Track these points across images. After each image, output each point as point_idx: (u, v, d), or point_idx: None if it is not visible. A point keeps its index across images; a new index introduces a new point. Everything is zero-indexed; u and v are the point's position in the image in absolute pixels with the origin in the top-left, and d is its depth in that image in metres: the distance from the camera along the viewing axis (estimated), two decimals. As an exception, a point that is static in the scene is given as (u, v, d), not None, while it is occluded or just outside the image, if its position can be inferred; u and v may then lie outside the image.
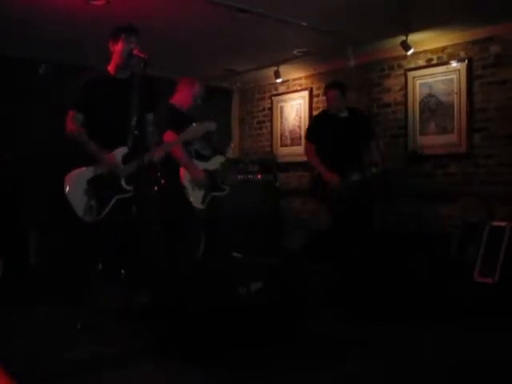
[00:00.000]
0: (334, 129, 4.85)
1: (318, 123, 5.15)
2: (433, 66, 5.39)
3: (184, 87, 4.24)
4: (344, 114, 4.92)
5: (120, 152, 3.45)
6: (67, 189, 3.42)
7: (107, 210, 3.42)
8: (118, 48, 3.48)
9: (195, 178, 3.95)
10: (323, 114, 5.22)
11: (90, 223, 3.39)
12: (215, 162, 4.14)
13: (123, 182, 3.44)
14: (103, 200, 3.41)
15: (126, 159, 3.44)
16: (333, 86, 4.98)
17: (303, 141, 6.71)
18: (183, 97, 4.21)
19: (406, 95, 5.61)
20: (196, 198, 3.95)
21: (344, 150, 4.77)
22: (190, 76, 4.45)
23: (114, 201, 3.43)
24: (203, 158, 4.11)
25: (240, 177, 5.91)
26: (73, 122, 3.47)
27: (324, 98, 6.59)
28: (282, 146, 7.04)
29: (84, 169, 3.45)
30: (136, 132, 3.46)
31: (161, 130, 3.81)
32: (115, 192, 3.44)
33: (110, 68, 3.58)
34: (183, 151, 3.93)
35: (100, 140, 3.43)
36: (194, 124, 3.63)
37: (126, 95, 3.48)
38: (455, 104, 5.18)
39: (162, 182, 4.61)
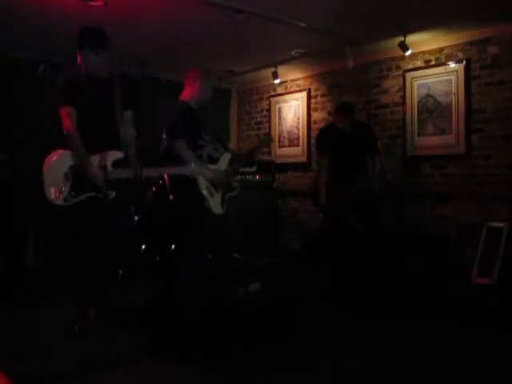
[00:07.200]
0: (340, 142, 5.00)
1: (325, 136, 5.26)
2: (431, 66, 5.41)
3: (190, 79, 3.86)
4: (349, 129, 5.03)
5: (113, 155, 3.35)
6: (45, 168, 3.32)
7: (75, 200, 3.30)
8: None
9: (213, 180, 3.68)
10: (330, 127, 5.32)
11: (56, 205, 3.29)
12: (223, 162, 3.87)
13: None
14: (77, 190, 3.30)
15: (117, 164, 3.35)
16: (348, 109, 5.06)
17: (301, 142, 6.74)
18: (192, 89, 3.83)
19: (404, 96, 5.62)
20: (216, 204, 3.72)
21: (349, 161, 4.94)
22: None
23: (85, 196, 3.31)
24: (213, 161, 3.84)
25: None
26: (69, 118, 3.32)
27: (323, 99, 6.60)
28: (280, 146, 7.05)
29: (68, 152, 3.35)
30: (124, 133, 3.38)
31: (171, 135, 3.59)
32: (91, 188, 3.30)
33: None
34: (192, 157, 3.63)
35: (89, 139, 3.32)
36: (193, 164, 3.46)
37: (110, 95, 3.39)
38: (453, 105, 5.19)
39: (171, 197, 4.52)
